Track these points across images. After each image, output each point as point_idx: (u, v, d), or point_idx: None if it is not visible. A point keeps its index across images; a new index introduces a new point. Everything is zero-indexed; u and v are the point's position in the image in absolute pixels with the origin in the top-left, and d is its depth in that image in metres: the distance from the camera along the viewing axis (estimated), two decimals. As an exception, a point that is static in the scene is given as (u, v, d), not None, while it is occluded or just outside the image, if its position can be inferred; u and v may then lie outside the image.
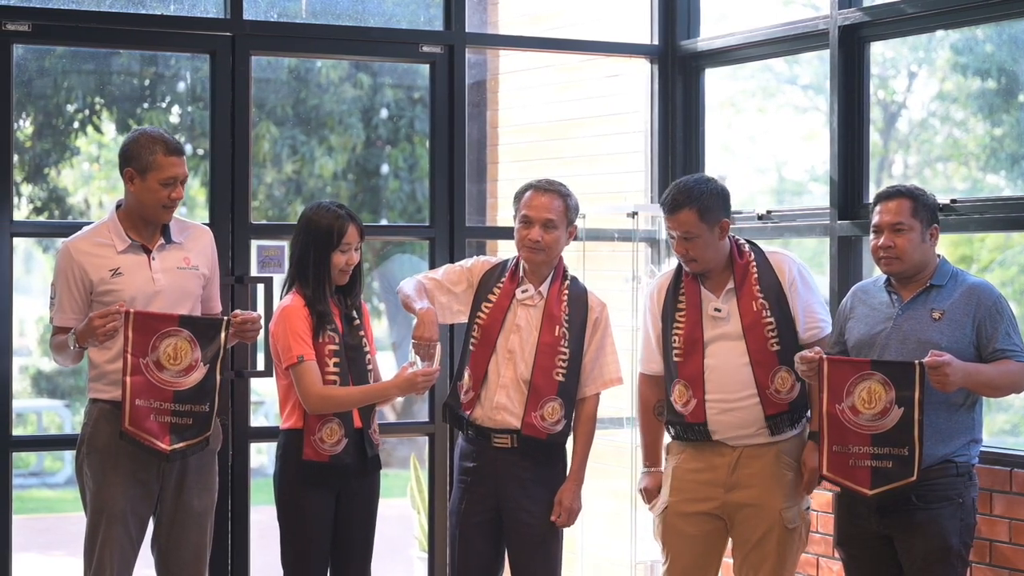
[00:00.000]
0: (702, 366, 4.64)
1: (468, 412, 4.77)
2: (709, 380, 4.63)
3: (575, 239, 4.88)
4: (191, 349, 4.42)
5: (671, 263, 5.52)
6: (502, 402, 4.71)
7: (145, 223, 4.59)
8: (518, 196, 4.80)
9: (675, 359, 4.69)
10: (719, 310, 4.65)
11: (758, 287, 4.64)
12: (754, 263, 4.68)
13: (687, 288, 4.72)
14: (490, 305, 4.77)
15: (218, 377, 4.46)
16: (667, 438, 4.87)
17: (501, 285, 4.80)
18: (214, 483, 4.71)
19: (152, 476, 4.55)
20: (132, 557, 4.58)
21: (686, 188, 4.61)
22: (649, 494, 4.86)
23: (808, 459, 4.63)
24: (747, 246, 4.74)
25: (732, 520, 4.67)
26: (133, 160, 4.52)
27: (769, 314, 4.62)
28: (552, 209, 4.71)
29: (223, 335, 4.44)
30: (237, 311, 4.57)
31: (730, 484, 4.64)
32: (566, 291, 4.80)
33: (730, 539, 4.74)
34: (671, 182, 6.39)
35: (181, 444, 4.43)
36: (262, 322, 4.58)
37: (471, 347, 4.78)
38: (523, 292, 4.78)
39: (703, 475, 4.67)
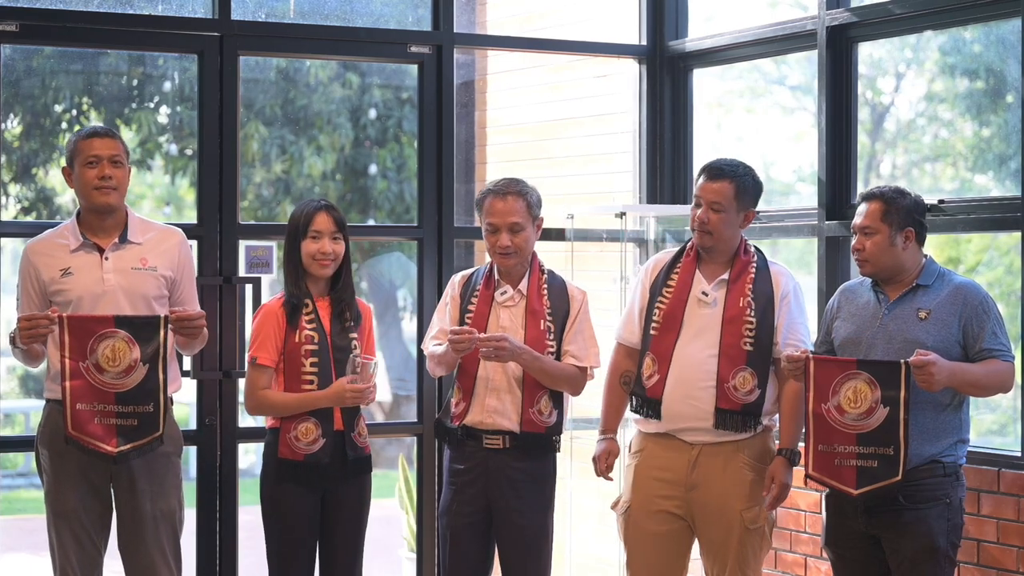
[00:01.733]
0: (674, 345, 4.65)
1: (458, 423, 4.76)
2: (675, 363, 4.63)
3: (564, 239, 4.88)
4: (129, 349, 4.34)
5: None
6: (494, 405, 4.71)
7: (100, 220, 4.55)
8: (479, 204, 4.78)
9: (652, 332, 4.69)
10: (706, 294, 4.66)
11: (750, 287, 4.65)
12: (754, 264, 4.69)
13: (682, 269, 4.73)
14: (471, 314, 4.76)
15: (160, 376, 4.36)
16: (630, 439, 4.87)
17: (478, 292, 4.79)
18: (172, 487, 4.61)
19: (101, 476, 4.51)
20: (95, 553, 4.56)
21: (732, 163, 4.68)
22: (599, 462, 4.83)
23: (776, 474, 4.62)
24: (753, 249, 4.75)
25: (695, 521, 4.67)
26: (66, 158, 4.55)
27: (752, 314, 4.62)
28: (515, 212, 4.70)
29: (162, 333, 4.36)
30: (175, 308, 4.51)
31: (690, 483, 4.64)
32: (545, 285, 4.80)
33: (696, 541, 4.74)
34: (659, 183, 6.43)
35: (128, 446, 4.36)
36: (204, 320, 4.48)
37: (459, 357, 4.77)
38: (502, 294, 4.77)
39: (664, 474, 4.68)
